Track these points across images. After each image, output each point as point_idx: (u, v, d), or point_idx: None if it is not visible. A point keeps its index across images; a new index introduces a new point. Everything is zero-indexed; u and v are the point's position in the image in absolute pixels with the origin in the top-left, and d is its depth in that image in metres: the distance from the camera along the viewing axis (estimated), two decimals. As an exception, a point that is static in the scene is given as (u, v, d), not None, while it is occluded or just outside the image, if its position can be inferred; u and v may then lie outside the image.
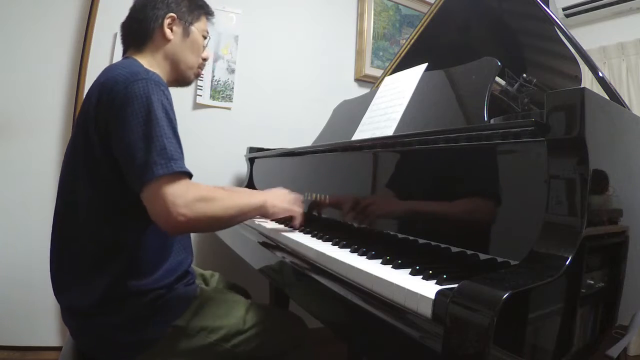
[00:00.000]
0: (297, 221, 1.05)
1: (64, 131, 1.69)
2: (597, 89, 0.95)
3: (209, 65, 1.90)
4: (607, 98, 0.94)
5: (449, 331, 0.46)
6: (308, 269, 0.82)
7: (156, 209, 0.76)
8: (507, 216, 0.65)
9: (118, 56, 1.73)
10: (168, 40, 0.99)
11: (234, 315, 0.94)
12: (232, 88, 2.00)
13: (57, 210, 0.93)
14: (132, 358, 0.85)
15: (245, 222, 1.32)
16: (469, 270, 0.60)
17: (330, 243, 0.91)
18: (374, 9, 2.41)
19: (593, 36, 2.36)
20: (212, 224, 0.86)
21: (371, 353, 0.63)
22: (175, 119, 0.84)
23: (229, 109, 2.00)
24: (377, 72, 2.28)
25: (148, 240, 0.87)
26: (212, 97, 1.96)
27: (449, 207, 0.77)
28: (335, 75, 2.33)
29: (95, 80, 0.88)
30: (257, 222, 1.25)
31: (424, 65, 1.17)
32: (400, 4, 2.51)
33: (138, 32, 0.99)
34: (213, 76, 1.95)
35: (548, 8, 1.17)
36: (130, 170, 0.77)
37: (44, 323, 1.64)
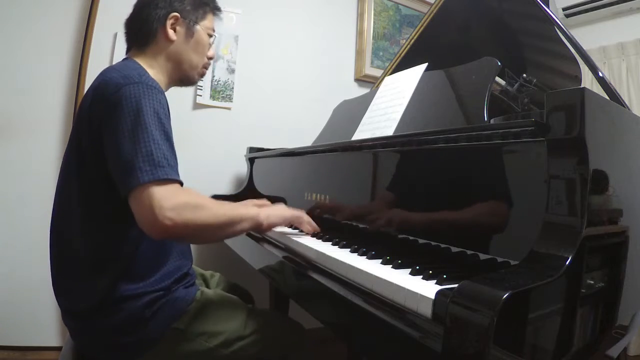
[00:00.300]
0: (304, 225, 1.00)
1: (64, 131, 1.68)
2: (597, 89, 0.95)
3: (209, 65, 1.90)
4: (607, 98, 0.94)
5: (449, 331, 0.46)
6: (308, 269, 0.82)
7: (142, 213, 0.73)
8: (507, 216, 0.65)
9: (118, 56, 1.74)
10: (171, 41, 0.96)
11: (234, 321, 0.93)
12: (232, 88, 2.00)
13: (53, 213, 0.92)
14: (131, 359, 0.85)
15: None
16: (469, 270, 0.60)
17: (330, 243, 0.92)
18: (374, 9, 2.41)
19: (593, 36, 2.36)
20: (200, 232, 0.79)
21: (371, 353, 0.63)
22: (168, 124, 0.82)
23: (229, 109, 2.00)
24: (377, 72, 2.28)
25: (144, 246, 0.86)
26: (212, 97, 1.96)
27: (449, 207, 0.77)
28: (335, 75, 2.33)
29: (92, 83, 0.87)
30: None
31: (424, 65, 1.17)
32: (400, 4, 2.51)
33: (140, 32, 0.97)
34: (213, 76, 1.95)
35: (548, 8, 1.17)
36: (117, 175, 0.76)
37: (44, 323, 1.63)
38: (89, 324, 0.85)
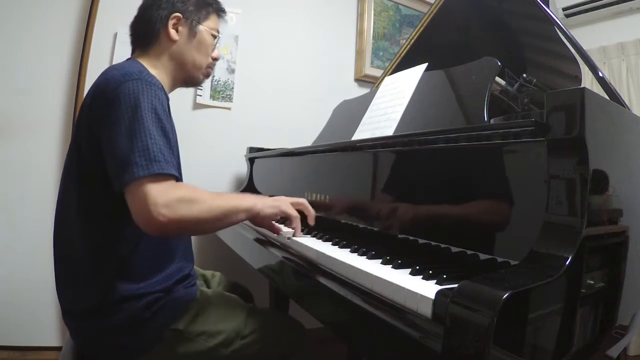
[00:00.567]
0: (294, 225, 0.97)
1: (64, 131, 1.69)
2: (597, 89, 0.95)
3: (209, 65, 1.90)
4: (607, 98, 0.94)
5: (449, 331, 0.46)
6: (308, 269, 0.82)
7: (136, 209, 0.73)
8: (507, 216, 0.65)
9: (118, 56, 1.74)
10: (173, 41, 0.97)
11: (234, 320, 0.93)
12: (232, 88, 2.00)
13: (56, 213, 0.93)
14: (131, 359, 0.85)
15: (246, 222, 1.33)
16: (469, 270, 0.60)
17: (330, 243, 0.92)
18: (374, 9, 2.41)
19: (593, 36, 2.36)
20: (195, 226, 0.80)
21: (371, 353, 0.63)
22: (167, 121, 0.82)
23: (229, 109, 2.00)
24: (377, 72, 2.28)
25: (143, 246, 0.86)
26: (212, 97, 1.96)
27: (449, 207, 0.77)
28: (335, 75, 2.33)
29: (93, 83, 0.88)
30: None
31: (424, 65, 1.17)
32: (400, 4, 2.51)
33: (143, 33, 0.98)
34: (213, 76, 1.95)
35: (548, 8, 1.17)
36: (112, 170, 0.76)
37: (44, 323, 1.64)
38: (89, 324, 0.85)
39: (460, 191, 0.77)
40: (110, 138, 0.76)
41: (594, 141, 0.55)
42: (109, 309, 0.82)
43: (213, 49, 1.05)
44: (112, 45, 1.75)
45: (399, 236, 0.86)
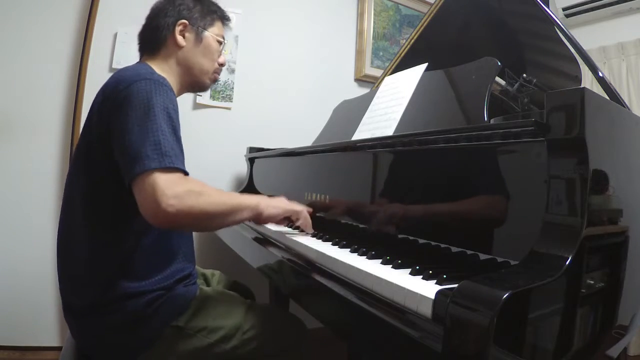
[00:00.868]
0: (301, 220, 0.98)
1: (63, 131, 1.69)
2: (597, 89, 0.95)
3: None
4: (607, 98, 0.94)
5: (449, 331, 0.46)
6: (308, 269, 0.82)
7: (145, 199, 0.73)
8: (507, 216, 0.65)
9: (118, 56, 1.74)
10: (180, 47, 1.00)
11: (234, 316, 0.94)
12: (232, 88, 2.00)
13: (62, 209, 0.94)
14: (131, 358, 0.85)
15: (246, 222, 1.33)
16: (469, 270, 0.60)
17: (330, 243, 0.92)
18: (374, 9, 2.41)
19: (593, 36, 2.35)
20: (202, 218, 0.80)
21: (371, 353, 0.63)
22: (177, 121, 0.84)
23: (229, 109, 2.00)
24: (377, 72, 2.28)
25: (147, 245, 0.86)
26: (212, 97, 1.96)
27: (449, 207, 0.77)
28: (335, 75, 2.33)
29: (105, 82, 0.90)
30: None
31: (424, 65, 1.17)
32: (400, 4, 2.51)
33: (151, 39, 1.01)
34: (213, 76, 1.95)
35: (548, 8, 1.17)
36: (123, 162, 0.77)
37: (43, 323, 1.64)
38: (90, 321, 0.85)
39: (460, 191, 0.77)
40: (122, 134, 0.77)
41: (594, 141, 0.55)
42: (110, 306, 0.83)
43: (219, 55, 1.08)
44: (112, 45, 1.75)
45: (399, 236, 0.86)
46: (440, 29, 1.57)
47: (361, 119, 1.27)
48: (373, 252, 0.77)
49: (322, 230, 1.02)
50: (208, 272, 1.26)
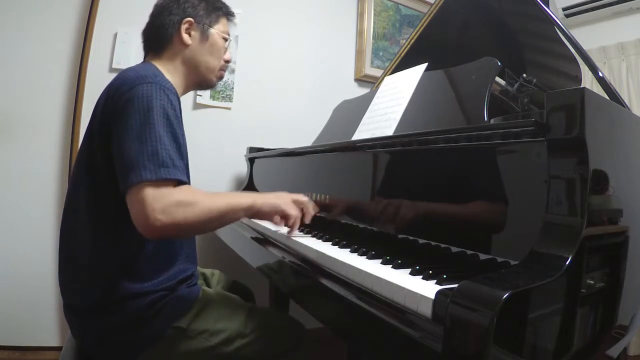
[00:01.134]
0: (291, 222, 0.94)
1: (63, 131, 1.69)
2: (597, 89, 0.95)
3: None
4: (607, 98, 0.94)
5: (449, 331, 0.46)
6: (308, 269, 0.82)
7: (135, 213, 0.74)
8: (507, 216, 0.65)
9: (118, 56, 1.74)
10: (186, 45, 0.99)
11: (236, 319, 0.94)
12: (232, 88, 2.00)
13: (64, 209, 0.94)
14: (132, 358, 0.85)
15: (245, 222, 1.33)
16: (469, 270, 0.60)
17: (330, 243, 0.92)
18: (374, 9, 2.41)
19: (593, 36, 2.35)
20: (193, 228, 0.81)
21: (371, 353, 0.63)
22: (178, 125, 0.83)
23: (229, 109, 2.00)
24: (377, 72, 2.28)
25: (150, 247, 0.86)
26: (212, 97, 1.96)
27: (449, 207, 0.77)
28: (335, 75, 2.33)
29: (109, 82, 0.89)
30: (256, 221, 1.25)
31: (424, 65, 1.17)
32: (400, 4, 2.51)
33: (156, 38, 0.99)
34: (213, 76, 1.95)
35: (548, 8, 1.17)
36: (120, 170, 0.77)
37: (43, 323, 1.64)
38: (91, 321, 0.85)
39: (460, 191, 0.77)
40: (120, 139, 0.77)
41: (594, 141, 0.55)
42: (112, 306, 0.83)
43: (225, 52, 1.07)
44: (112, 45, 1.75)
45: (399, 236, 0.86)
46: (440, 29, 1.57)
47: (361, 119, 1.27)
48: (373, 252, 0.77)
49: (322, 230, 1.02)
50: (208, 271, 1.26)
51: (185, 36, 0.98)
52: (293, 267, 0.87)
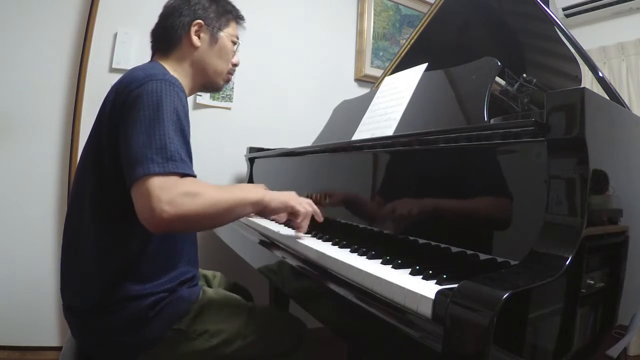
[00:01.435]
0: (300, 219, 0.93)
1: (64, 131, 1.69)
2: (597, 89, 0.95)
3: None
4: (607, 98, 0.94)
5: (449, 331, 0.46)
6: (308, 269, 0.82)
7: (141, 206, 0.72)
8: (507, 216, 0.65)
9: (118, 56, 1.74)
10: (195, 47, 0.99)
11: (236, 320, 0.94)
12: (232, 88, 2.00)
13: (68, 208, 0.94)
14: (132, 359, 0.85)
15: (244, 222, 1.33)
16: (469, 270, 0.60)
17: (330, 243, 0.91)
18: (374, 9, 2.41)
19: (593, 36, 2.36)
20: (200, 220, 0.77)
21: (371, 353, 0.63)
22: (187, 123, 0.83)
23: (229, 109, 2.00)
24: (377, 72, 2.28)
25: (152, 249, 0.86)
26: (212, 97, 1.96)
27: (449, 207, 0.77)
28: (335, 75, 2.33)
29: (117, 81, 0.89)
30: (256, 222, 1.25)
31: (424, 65, 1.17)
32: (400, 4, 2.51)
33: (165, 39, 0.99)
34: (213, 76, 1.95)
35: (548, 8, 1.17)
36: (126, 164, 0.76)
37: (43, 323, 1.64)
38: (92, 321, 0.85)
39: (460, 191, 0.77)
40: (128, 134, 0.77)
41: (594, 141, 0.55)
42: (113, 307, 0.83)
43: (233, 55, 1.07)
44: (112, 45, 1.75)
45: (399, 236, 0.86)
46: (440, 29, 1.57)
47: (361, 119, 1.27)
48: (373, 252, 0.77)
49: (322, 230, 1.02)
50: (209, 273, 1.26)
51: (194, 38, 0.98)
52: (293, 267, 0.87)
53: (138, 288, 0.84)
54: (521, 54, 1.46)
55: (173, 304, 0.87)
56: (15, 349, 1.59)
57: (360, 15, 2.40)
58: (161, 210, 0.70)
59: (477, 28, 1.53)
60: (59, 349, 1.49)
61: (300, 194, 1.23)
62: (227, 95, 1.99)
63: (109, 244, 0.85)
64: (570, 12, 2.44)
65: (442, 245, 0.75)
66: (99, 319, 0.84)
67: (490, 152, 0.70)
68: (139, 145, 0.74)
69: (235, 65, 1.09)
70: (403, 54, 1.65)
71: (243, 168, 1.95)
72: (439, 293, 0.52)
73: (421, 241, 0.80)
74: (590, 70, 1.03)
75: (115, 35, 1.75)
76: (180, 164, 0.75)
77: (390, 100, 1.19)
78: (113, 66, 1.73)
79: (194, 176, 0.78)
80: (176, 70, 0.98)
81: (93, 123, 0.91)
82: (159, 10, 1.05)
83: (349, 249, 0.84)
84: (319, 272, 0.78)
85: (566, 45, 1.20)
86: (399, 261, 0.69)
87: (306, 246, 0.88)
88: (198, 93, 1.91)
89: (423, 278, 0.62)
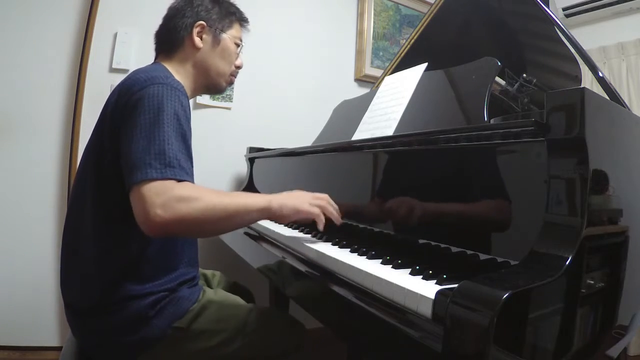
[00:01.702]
0: (320, 224, 0.88)
1: (63, 131, 1.68)
2: (597, 89, 0.95)
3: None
4: (607, 98, 0.94)
5: (449, 331, 0.46)
6: (308, 269, 0.82)
7: (137, 210, 0.72)
8: (507, 216, 0.65)
9: (118, 56, 1.74)
10: (198, 49, 0.99)
11: (236, 319, 0.94)
12: (232, 88, 2.00)
13: (69, 209, 0.94)
14: (132, 358, 0.85)
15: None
16: (469, 270, 0.60)
17: (331, 243, 0.91)
18: (374, 9, 2.41)
19: (593, 36, 2.36)
20: (197, 225, 0.75)
21: (371, 353, 0.63)
22: (188, 127, 0.83)
23: (229, 109, 2.00)
24: (377, 72, 2.28)
25: (153, 250, 0.86)
26: (212, 97, 1.95)
27: (449, 207, 0.77)
28: (335, 75, 2.32)
29: (119, 82, 0.89)
30: (259, 223, 1.25)
31: (424, 65, 1.17)
32: (400, 4, 2.51)
33: (168, 40, 1.00)
34: (213, 76, 1.95)
35: (548, 8, 1.17)
36: (125, 168, 0.76)
37: (43, 323, 1.63)
38: (92, 321, 0.85)
39: (460, 191, 0.77)
40: (128, 137, 0.77)
41: (594, 141, 0.55)
42: (113, 306, 0.83)
43: (236, 57, 1.07)
44: (112, 45, 1.75)
45: (399, 236, 0.86)
46: (440, 29, 1.57)
47: (361, 119, 1.27)
48: (373, 252, 0.77)
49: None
50: (209, 272, 1.26)
51: (197, 39, 0.98)
52: (293, 267, 0.87)
53: (138, 288, 0.84)
54: (521, 54, 1.46)
55: (173, 304, 0.87)
56: (15, 349, 1.59)
57: (360, 15, 2.39)
58: (154, 214, 0.70)
59: (477, 28, 1.53)
60: (59, 349, 1.49)
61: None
62: (227, 95, 1.99)
63: (110, 244, 0.85)
64: (570, 12, 2.44)
65: (442, 245, 0.75)
66: (99, 319, 0.84)
67: (490, 152, 0.70)
68: (139, 149, 0.74)
69: (238, 67, 1.09)
70: (403, 54, 1.65)
71: (243, 168, 1.95)
72: (439, 293, 0.52)
73: (421, 241, 0.80)
74: (590, 70, 1.03)
75: (115, 35, 1.74)
76: (178, 170, 0.75)
77: (390, 100, 1.19)
78: (113, 66, 1.73)
79: (192, 182, 0.78)
80: (179, 72, 0.98)
81: (95, 124, 0.91)
82: (159, 10, 1.05)
83: (349, 249, 0.84)
84: (319, 272, 0.79)
85: (566, 45, 1.20)
86: (399, 261, 0.69)
87: (306, 246, 0.88)
88: (199, 94, 1.91)
89: (423, 278, 0.62)
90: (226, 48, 1.03)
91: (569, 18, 2.46)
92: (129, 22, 1.76)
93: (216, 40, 1.01)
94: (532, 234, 0.56)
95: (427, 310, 0.52)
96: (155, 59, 1.04)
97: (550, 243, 0.54)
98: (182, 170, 0.76)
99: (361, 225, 0.99)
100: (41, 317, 1.63)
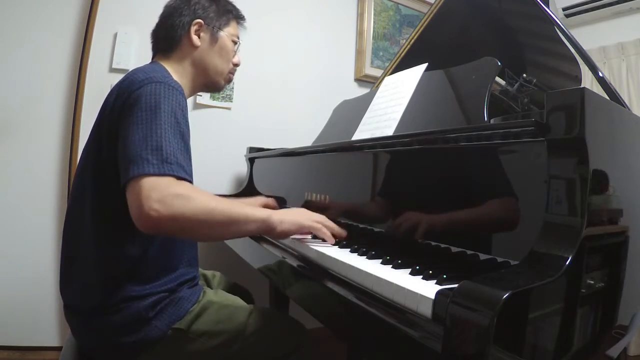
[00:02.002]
0: (326, 235, 0.88)
1: (63, 131, 1.68)
2: (597, 89, 0.95)
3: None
4: (607, 98, 0.94)
5: (449, 331, 0.46)
6: (308, 269, 0.82)
7: (131, 203, 0.71)
8: (507, 216, 0.65)
9: (118, 56, 1.74)
10: (195, 47, 0.99)
11: (236, 321, 0.93)
12: (232, 88, 2.00)
13: (68, 209, 0.93)
14: (132, 358, 0.85)
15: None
16: (469, 270, 0.60)
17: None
18: (374, 9, 2.41)
19: (593, 36, 2.36)
20: (192, 226, 0.73)
21: (371, 353, 0.63)
22: (185, 126, 0.82)
23: (229, 109, 2.00)
24: (377, 72, 2.28)
25: (153, 251, 0.86)
26: (212, 97, 1.96)
27: (449, 207, 0.77)
28: (335, 75, 2.33)
29: (118, 82, 0.89)
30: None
31: (424, 65, 1.17)
32: (400, 4, 2.51)
33: (165, 39, 1.00)
34: (213, 76, 1.95)
35: (548, 8, 1.17)
36: (122, 164, 0.75)
37: (43, 323, 1.63)
38: (91, 322, 0.85)
39: (460, 191, 0.77)
40: (126, 134, 0.76)
41: (594, 141, 0.55)
42: (113, 307, 0.83)
43: (234, 55, 1.07)
44: (112, 45, 1.75)
45: (399, 236, 0.86)
46: (440, 29, 1.57)
47: (361, 119, 1.27)
48: (373, 252, 0.77)
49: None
50: (209, 273, 1.26)
51: (194, 38, 0.98)
52: (293, 267, 0.87)
53: (139, 288, 0.84)
54: (521, 54, 1.46)
55: (173, 304, 0.87)
56: (15, 349, 1.59)
57: (360, 16, 2.39)
58: (149, 208, 0.68)
59: (477, 28, 1.53)
60: (59, 349, 1.49)
61: (300, 194, 1.24)
62: (227, 95, 1.99)
63: (109, 245, 0.84)
64: (570, 12, 2.44)
65: (442, 246, 0.75)
66: (99, 319, 0.84)
67: (490, 152, 0.70)
68: (135, 145, 0.74)
69: (236, 65, 1.09)
70: (403, 54, 1.65)
71: (243, 168, 1.95)
72: (439, 293, 0.52)
73: (421, 241, 0.80)
74: (590, 70, 1.03)
75: (115, 35, 1.74)
76: (176, 167, 0.74)
77: (390, 100, 1.19)
78: (113, 66, 1.73)
79: (190, 181, 0.77)
80: (177, 71, 0.98)
81: (94, 123, 0.91)
82: (159, 10, 1.05)
83: (349, 249, 0.84)
84: (319, 272, 0.78)
85: (566, 45, 1.20)
86: (399, 261, 0.69)
87: (306, 246, 0.88)
88: (198, 93, 1.91)
89: (423, 278, 0.62)
90: (224, 46, 1.03)
91: (569, 18, 2.46)
92: (129, 22, 1.76)
93: (214, 38, 1.01)
94: (532, 234, 0.56)
95: (427, 310, 0.52)
96: (153, 58, 1.03)
97: (550, 243, 0.54)
98: (181, 168, 0.75)
99: (361, 225, 0.99)
100: (41, 317, 1.63)
